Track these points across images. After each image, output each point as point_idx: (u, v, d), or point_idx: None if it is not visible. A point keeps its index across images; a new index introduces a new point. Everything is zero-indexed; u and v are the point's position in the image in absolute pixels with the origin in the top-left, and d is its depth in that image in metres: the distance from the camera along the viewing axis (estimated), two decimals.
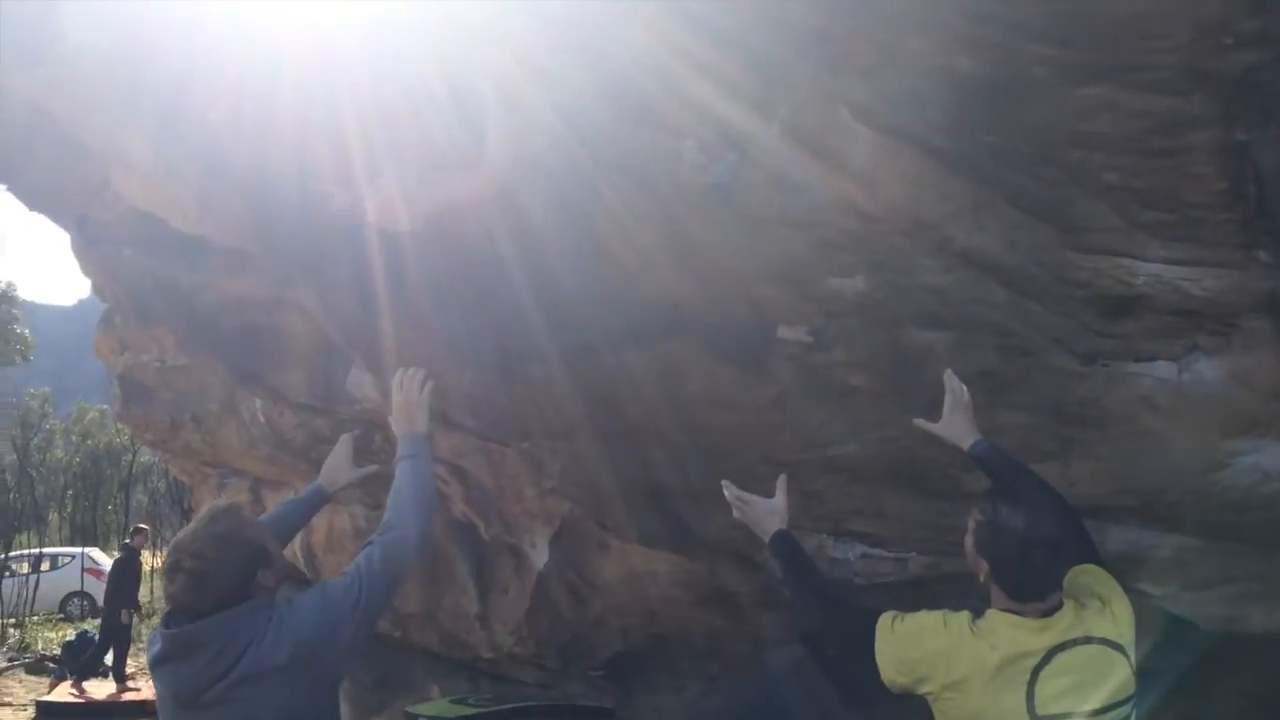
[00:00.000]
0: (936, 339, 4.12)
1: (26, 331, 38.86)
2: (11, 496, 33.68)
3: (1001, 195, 3.68)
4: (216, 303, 6.57)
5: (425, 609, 9.25)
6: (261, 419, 7.85)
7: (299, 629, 2.76)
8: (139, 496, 39.18)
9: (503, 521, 7.75)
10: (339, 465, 3.78)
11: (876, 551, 5.22)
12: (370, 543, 3.05)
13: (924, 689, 2.80)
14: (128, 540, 15.65)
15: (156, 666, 2.82)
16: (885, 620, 2.96)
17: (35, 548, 29.70)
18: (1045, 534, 2.71)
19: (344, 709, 10.74)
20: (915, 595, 5.13)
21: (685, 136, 3.79)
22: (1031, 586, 2.74)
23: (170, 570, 2.77)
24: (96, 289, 7.08)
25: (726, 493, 3.65)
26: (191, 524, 2.88)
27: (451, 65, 3.85)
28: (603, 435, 5.39)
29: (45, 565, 26.68)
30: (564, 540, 7.55)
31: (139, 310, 6.78)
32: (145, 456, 34.42)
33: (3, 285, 37.88)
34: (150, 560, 20.51)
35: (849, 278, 4.02)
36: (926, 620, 2.88)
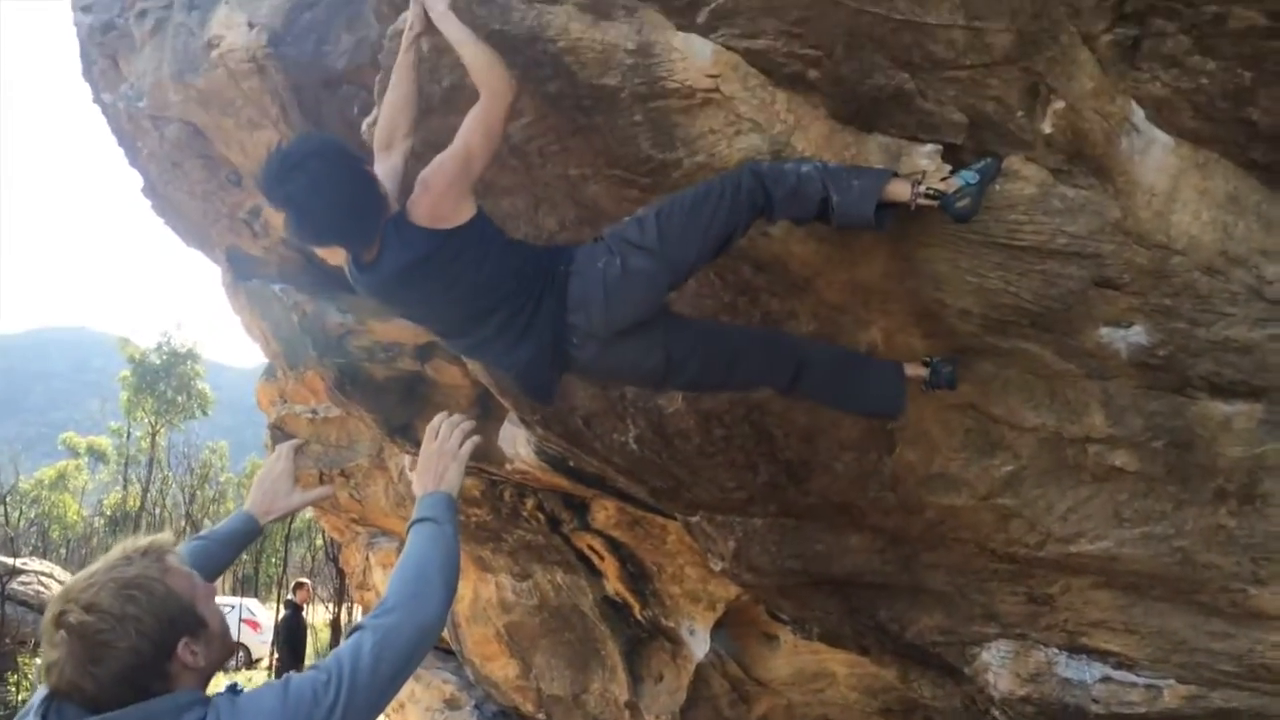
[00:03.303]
0: (1237, 412, 3.22)
1: (207, 387, 40.59)
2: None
3: None
4: (367, 347, 6.15)
5: (572, 692, 8.66)
6: (409, 476, 7.41)
7: None
8: (299, 551, 40.07)
9: (660, 603, 7.13)
10: (277, 487, 2.86)
11: (1123, 675, 4.26)
12: (360, 628, 2.19)
13: None
14: (290, 597, 15.39)
15: None
16: None
17: None
18: None
19: None
20: None
21: (916, 136, 3.04)
22: None
23: (50, 628, 1.93)
24: (245, 327, 6.80)
25: None
26: (92, 565, 2.07)
27: None
28: (786, 511, 4.62)
29: None
30: (728, 628, 6.87)
31: (289, 352, 6.43)
32: (307, 511, 35.12)
33: (188, 345, 39.81)
34: (311, 615, 20.45)
35: (1125, 328, 3.16)
36: None
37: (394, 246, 2.94)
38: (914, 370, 3.47)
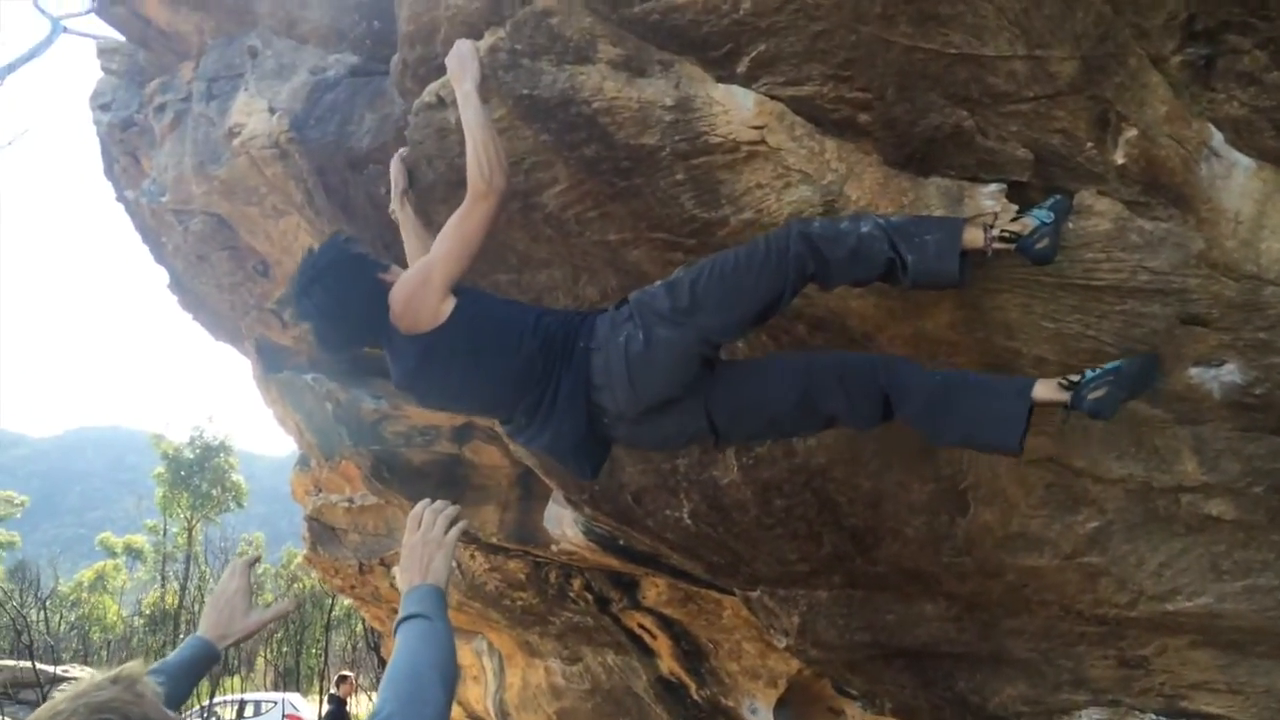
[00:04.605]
0: None
1: (241, 479, 40.62)
2: None
3: None
4: (403, 432, 5.98)
5: None
6: (451, 562, 7.20)
7: None
8: (340, 639, 39.69)
9: (718, 681, 6.84)
10: (233, 607, 2.63)
11: None
12: None
13: None
14: (334, 690, 15.06)
15: None
16: None
17: (240, 691, 30.14)
18: None
19: None
20: None
21: (978, 177, 2.86)
22: None
23: None
24: (278, 420, 6.66)
25: None
26: (61, 692, 1.87)
27: None
28: (853, 582, 4.37)
29: (249, 711, 26.85)
30: (791, 705, 6.55)
31: (323, 442, 6.27)
32: (348, 599, 34.69)
33: (221, 437, 39.93)
34: (355, 706, 20.06)
35: (1217, 367, 2.94)
36: None
37: (392, 354, 2.95)
38: (1048, 393, 2.74)
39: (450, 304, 2.81)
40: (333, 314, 2.88)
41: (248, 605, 2.59)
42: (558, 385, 2.84)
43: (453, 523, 2.42)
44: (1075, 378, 2.74)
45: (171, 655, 2.49)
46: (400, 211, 3.45)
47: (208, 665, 2.52)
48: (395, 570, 2.54)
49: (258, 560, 2.98)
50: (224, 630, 2.54)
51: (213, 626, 2.53)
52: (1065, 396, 2.72)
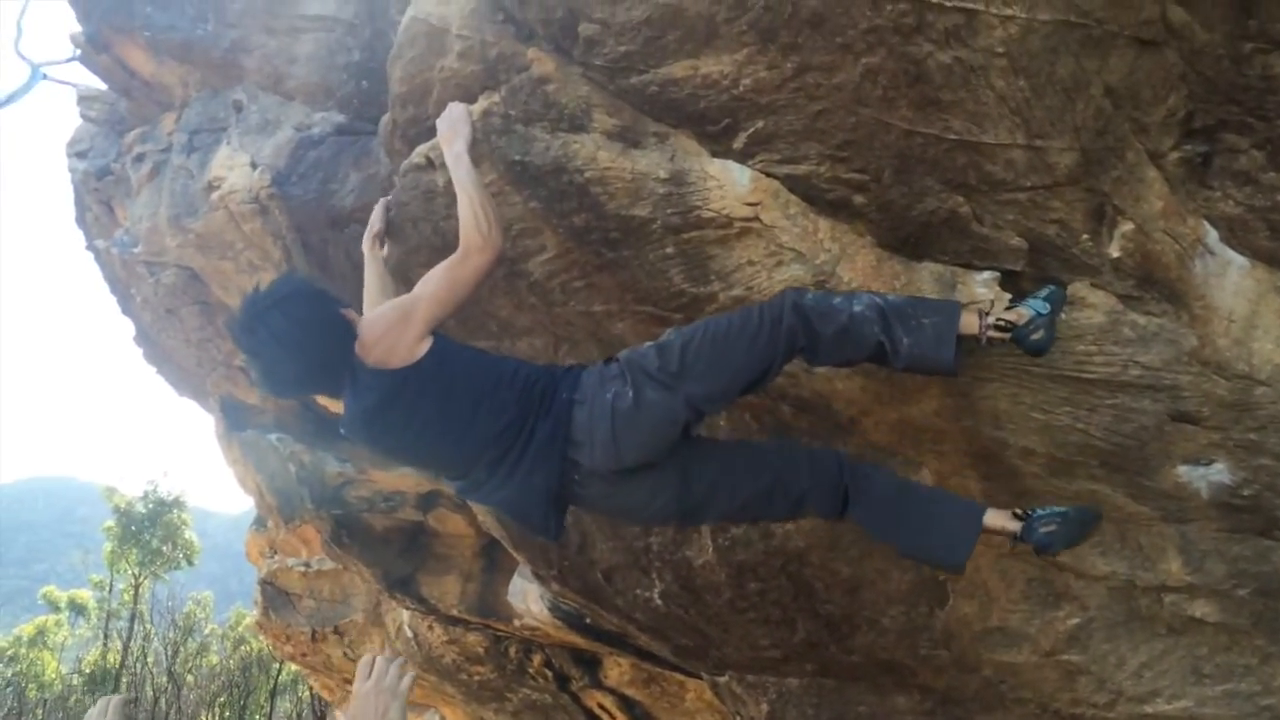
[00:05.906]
0: None
1: (194, 536, 39.78)
2: (163, 702, 33.44)
3: None
4: (367, 497, 5.84)
5: None
6: (409, 632, 7.02)
7: None
8: (285, 705, 38.63)
9: None
10: None
11: None
12: None
13: None
14: None
15: None
16: None
17: None
18: None
19: None
20: None
21: (971, 264, 2.84)
22: None
23: None
24: (239, 480, 6.49)
25: None
26: None
27: None
28: (825, 671, 4.26)
29: None
30: None
31: (283, 504, 6.11)
32: (294, 664, 33.67)
33: (176, 493, 39.17)
34: None
35: (1205, 466, 2.90)
36: None
37: (353, 391, 2.75)
38: (999, 521, 2.81)
39: (427, 344, 2.69)
40: (291, 342, 2.67)
41: None
42: (532, 434, 2.71)
43: (403, 675, 2.33)
44: (1028, 511, 2.81)
45: None
46: (368, 253, 3.33)
47: None
48: (340, 715, 2.41)
49: (134, 701, 2.78)
50: None
51: None
52: (1016, 527, 2.79)
